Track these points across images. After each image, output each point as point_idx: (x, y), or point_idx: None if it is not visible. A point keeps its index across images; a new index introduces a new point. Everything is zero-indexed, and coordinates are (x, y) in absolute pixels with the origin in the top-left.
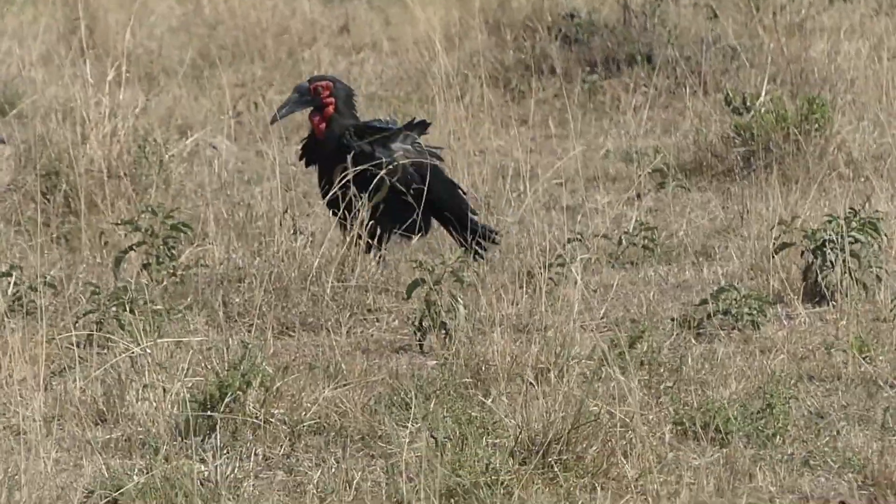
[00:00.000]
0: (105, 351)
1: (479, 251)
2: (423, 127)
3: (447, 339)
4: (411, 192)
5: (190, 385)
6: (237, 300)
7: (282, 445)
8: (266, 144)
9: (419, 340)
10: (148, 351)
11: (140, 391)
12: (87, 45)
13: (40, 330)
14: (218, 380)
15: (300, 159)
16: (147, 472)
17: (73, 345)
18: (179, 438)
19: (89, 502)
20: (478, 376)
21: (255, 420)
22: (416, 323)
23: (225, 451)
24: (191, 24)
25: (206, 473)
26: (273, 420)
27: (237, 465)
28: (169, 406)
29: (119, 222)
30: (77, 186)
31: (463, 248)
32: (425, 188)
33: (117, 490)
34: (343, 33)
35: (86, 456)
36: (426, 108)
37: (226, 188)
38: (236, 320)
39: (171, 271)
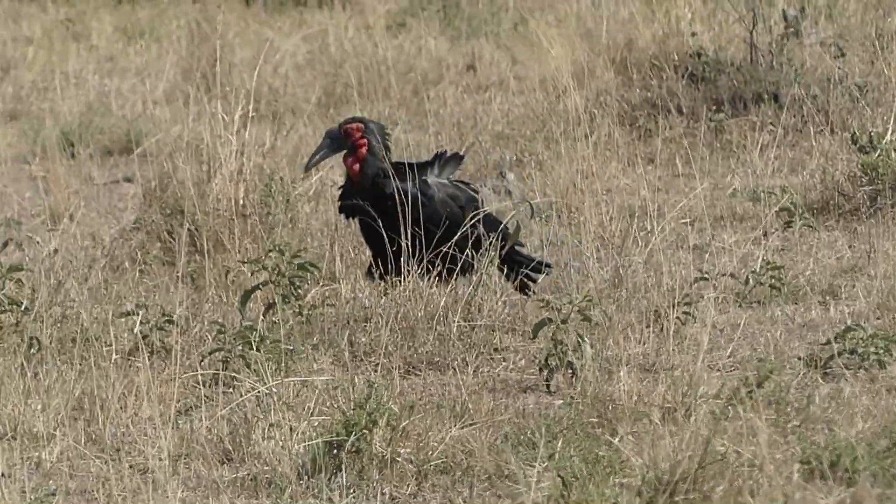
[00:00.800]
0: (231, 390)
1: (526, 283)
2: (457, 160)
3: (574, 379)
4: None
5: (316, 424)
6: (364, 339)
7: (408, 485)
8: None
9: (546, 380)
10: (274, 390)
11: (266, 430)
12: (217, 83)
13: (166, 369)
14: (344, 419)
15: (340, 212)
16: None
17: (199, 384)
18: (306, 478)
19: None
20: (604, 416)
21: (381, 459)
22: (543, 362)
23: (351, 491)
24: (316, 62)
25: None
26: (400, 459)
27: None
28: (295, 445)
29: (245, 261)
30: (202, 225)
31: (508, 280)
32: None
33: None
34: (469, 72)
35: (212, 495)
36: (552, 147)
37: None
38: (363, 359)
39: (298, 310)
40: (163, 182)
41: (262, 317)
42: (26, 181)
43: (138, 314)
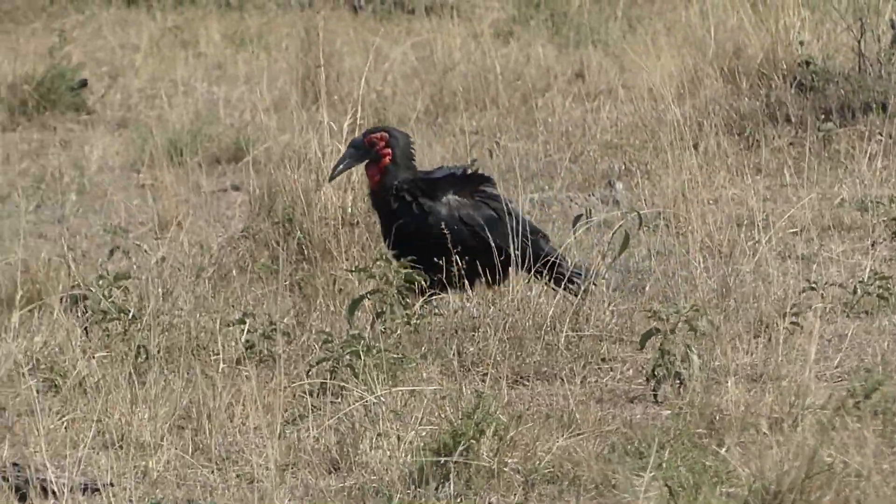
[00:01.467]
0: (339, 399)
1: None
2: (481, 179)
3: (681, 389)
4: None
5: (424, 433)
6: (472, 349)
7: (515, 494)
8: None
9: (653, 390)
10: (382, 399)
11: (374, 439)
12: (326, 90)
13: (274, 378)
14: (452, 428)
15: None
16: None
17: (306, 393)
18: (413, 487)
19: None
20: (712, 426)
21: (489, 469)
22: (651, 372)
23: (459, 501)
24: (424, 70)
25: None
26: (507, 469)
27: None
28: (403, 455)
29: (353, 270)
30: (311, 233)
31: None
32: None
33: None
34: (578, 80)
35: None
36: (660, 156)
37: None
38: (470, 369)
39: (406, 320)
40: (271, 190)
41: (369, 326)
42: (134, 189)
43: (246, 323)
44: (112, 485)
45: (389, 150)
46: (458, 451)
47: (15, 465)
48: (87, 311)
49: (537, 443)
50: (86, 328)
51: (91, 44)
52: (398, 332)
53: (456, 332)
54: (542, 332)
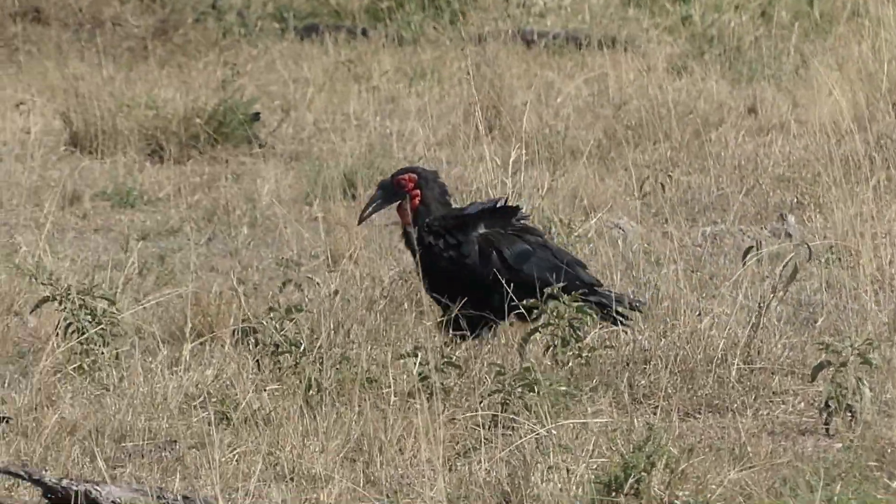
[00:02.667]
0: (510, 432)
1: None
2: (513, 212)
3: (853, 422)
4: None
5: (595, 466)
6: (643, 382)
7: None
8: (672, 225)
9: (825, 423)
10: (553, 432)
11: (545, 472)
12: (493, 125)
13: (445, 410)
14: (623, 461)
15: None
16: None
17: (477, 425)
18: None
19: None
20: (883, 459)
21: (660, 501)
22: (823, 405)
23: None
24: (596, 104)
25: None
26: (678, 501)
27: None
28: (574, 488)
29: (524, 303)
30: None
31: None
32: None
33: None
34: (750, 114)
35: None
36: (831, 190)
37: (631, 269)
38: (641, 402)
39: (577, 353)
40: None
41: (541, 358)
42: (306, 222)
43: (418, 356)
44: None
45: (418, 191)
46: (628, 484)
47: (186, 497)
48: (258, 344)
49: (708, 476)
50: (257, 361)
51: (264, 77)
52: (569, 364)
53: (627, 364)
54: (714, 365)
